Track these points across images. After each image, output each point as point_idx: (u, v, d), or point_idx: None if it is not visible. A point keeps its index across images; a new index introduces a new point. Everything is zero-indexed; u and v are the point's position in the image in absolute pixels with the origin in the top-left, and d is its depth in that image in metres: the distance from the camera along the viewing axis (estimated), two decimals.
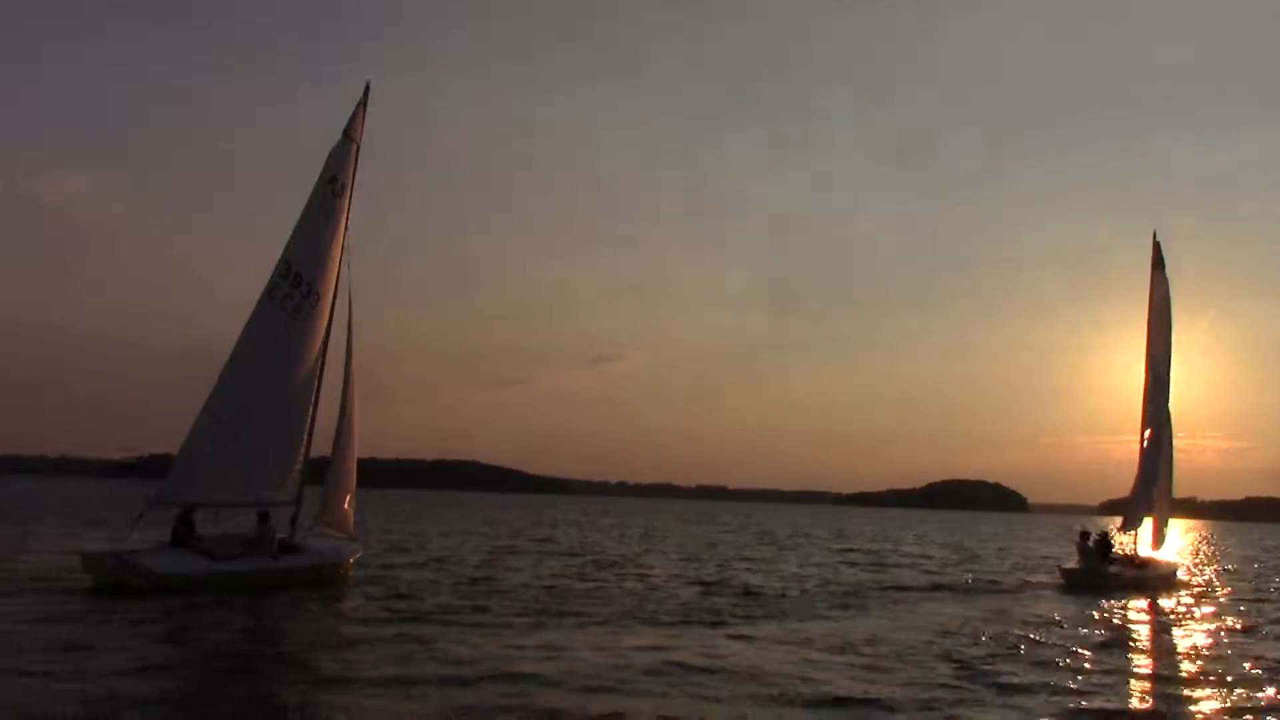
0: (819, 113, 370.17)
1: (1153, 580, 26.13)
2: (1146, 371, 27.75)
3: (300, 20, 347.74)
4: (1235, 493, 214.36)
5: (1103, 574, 25.49)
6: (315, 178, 19.65)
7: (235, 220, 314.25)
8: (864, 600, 20.49)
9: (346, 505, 21.05)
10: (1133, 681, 12.99)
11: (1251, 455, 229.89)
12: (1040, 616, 18.89)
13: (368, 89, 20.71)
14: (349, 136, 20.37)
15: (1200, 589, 27.13)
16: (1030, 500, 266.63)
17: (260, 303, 18.73)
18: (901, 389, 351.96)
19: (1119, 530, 27.35)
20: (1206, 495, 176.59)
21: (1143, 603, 22.45)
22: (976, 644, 14.81)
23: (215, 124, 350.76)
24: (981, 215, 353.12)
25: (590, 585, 21.36)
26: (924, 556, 37.48)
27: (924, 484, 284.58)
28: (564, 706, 9.67)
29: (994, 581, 26.51)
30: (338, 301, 20.21)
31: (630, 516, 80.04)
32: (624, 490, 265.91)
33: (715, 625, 15.97)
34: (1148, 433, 27.57)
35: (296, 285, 19.11)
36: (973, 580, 26.58)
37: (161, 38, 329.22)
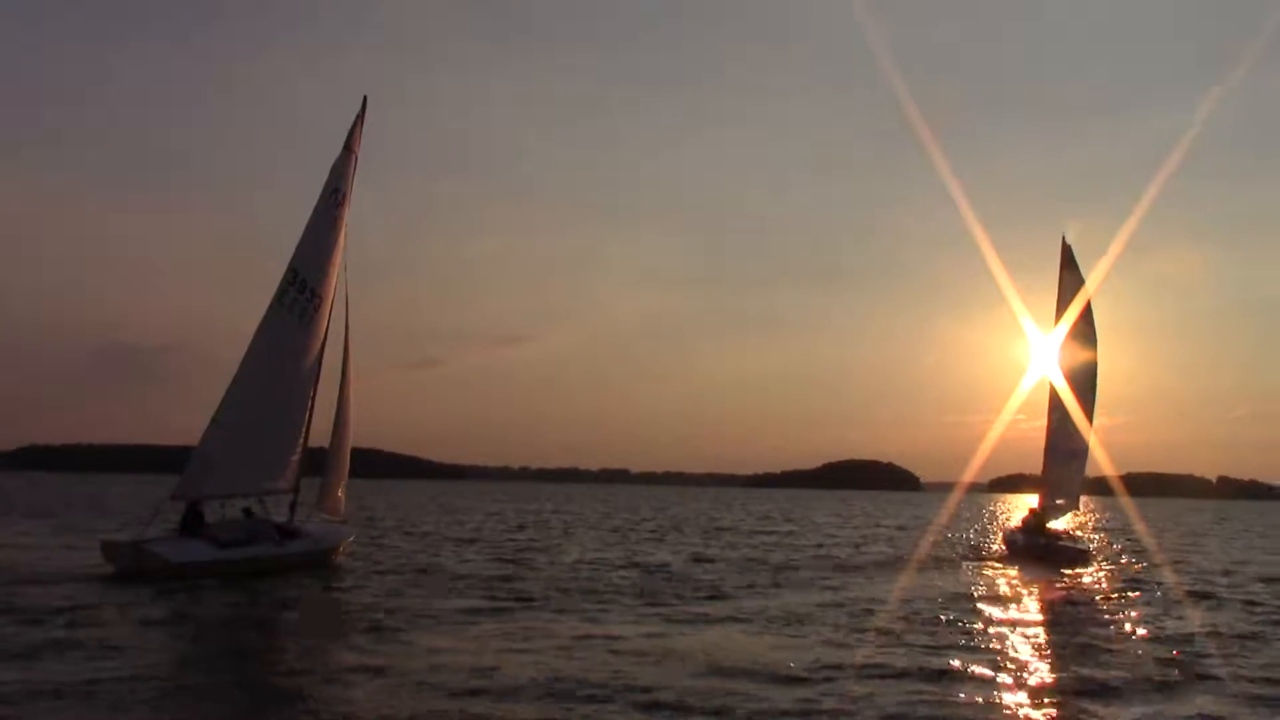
0: (736, 92, 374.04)
1: (1073, 554, 28.57)
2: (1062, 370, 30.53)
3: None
4: (1116, 468, 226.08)
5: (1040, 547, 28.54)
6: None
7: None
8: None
9: (340, 493, 22.72)
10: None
11: (1125, 430, 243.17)
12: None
13: (365, 103, 22.31)
14: (349, 148, 21.97)
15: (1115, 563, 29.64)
16: (923, 479, 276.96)
17: (271, 307, 20.28)
18: (805, 370, 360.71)
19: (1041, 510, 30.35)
20: (1090, 472, 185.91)
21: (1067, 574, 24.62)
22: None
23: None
24: (893, 199, 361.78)
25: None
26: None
27: (820, 464, 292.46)
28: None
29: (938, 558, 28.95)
30: (334, 304, 21.79)
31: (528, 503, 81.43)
32: (527, 475, 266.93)
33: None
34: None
35: (302, 291, 20.69)
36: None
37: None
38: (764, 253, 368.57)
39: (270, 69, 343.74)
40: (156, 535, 19.04)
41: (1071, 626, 15.38)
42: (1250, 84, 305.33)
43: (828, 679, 10.81)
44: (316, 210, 21.18)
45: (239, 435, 19.49)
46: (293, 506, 21.33)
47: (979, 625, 15.02)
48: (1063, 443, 29.98)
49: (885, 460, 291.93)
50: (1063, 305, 30.71)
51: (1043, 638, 14.45)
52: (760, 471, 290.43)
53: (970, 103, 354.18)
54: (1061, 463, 29.99)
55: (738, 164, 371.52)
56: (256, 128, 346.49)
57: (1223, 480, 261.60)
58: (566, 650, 12.12)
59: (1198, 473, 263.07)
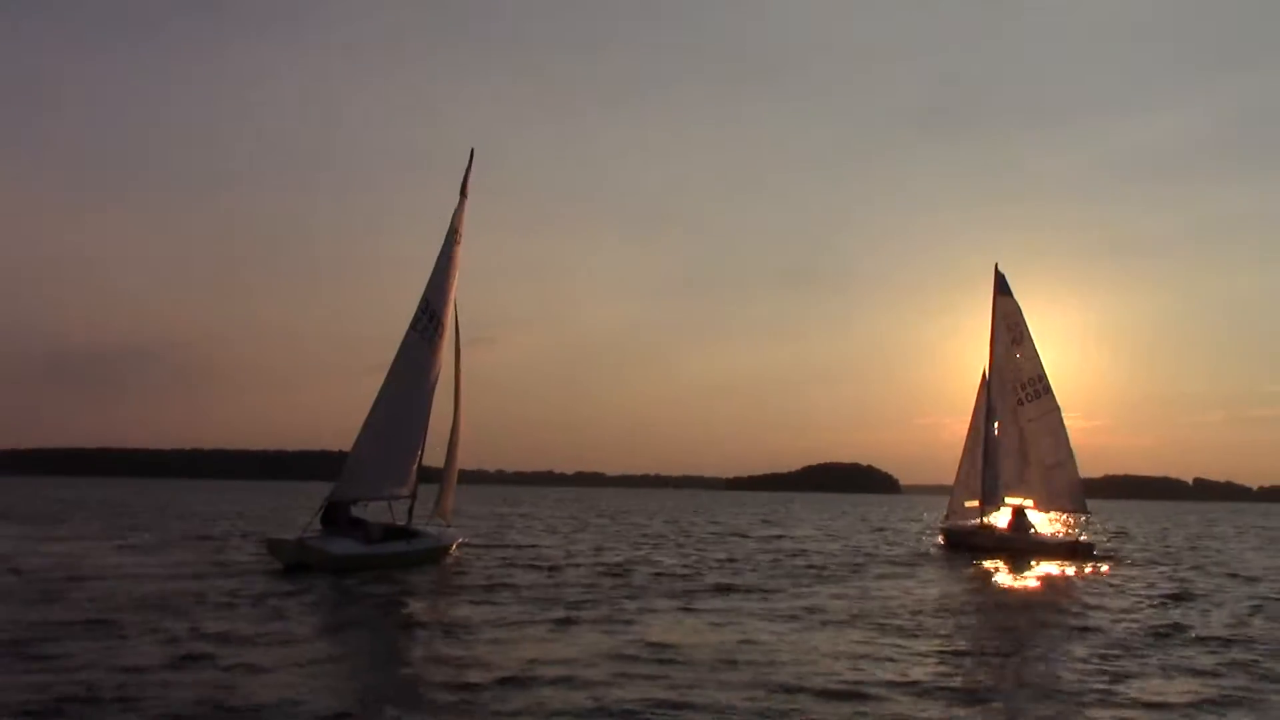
0: (710, 96, 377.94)
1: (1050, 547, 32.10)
2: (989, 385, 34.09)
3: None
4: (1096, 470, 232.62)
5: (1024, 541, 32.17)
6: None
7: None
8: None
9: (451, 499, 25.90)
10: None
11: (1104, 432, 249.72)
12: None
13: (472, 154, 25.31)
14: (463, 194, 25.08)
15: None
16: (902, 482, 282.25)
17: (408, 333, 23.35)
18: (783, 374, 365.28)
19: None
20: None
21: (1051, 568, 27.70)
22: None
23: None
24: (867, 202, 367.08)
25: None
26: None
27: (800, 467, 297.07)
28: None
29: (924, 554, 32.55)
30: (446, 328, 24.90)
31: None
32: (502, 478, 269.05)
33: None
34: (996, 425, 33.79)
35: (431, 319, 23.80)
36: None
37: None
38: (740, 256, 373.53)
39: (227, 70, 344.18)
40: (311, 534, 22.04)
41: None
42: (1230, 90, 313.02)
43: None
44: (442, 250, 24.30)
45: (379, 445, 22.50)
46: (410, 510, 24.30)
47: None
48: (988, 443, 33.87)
49: (865, 463, 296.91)
50: (996, 329, 34.23)
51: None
52: (740, 474, 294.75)
53: (942, 109, 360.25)
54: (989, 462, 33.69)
55: (712, 168, 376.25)
56: (214, 130, 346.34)
57: (1199, 482, 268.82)
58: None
59: (1174, 475, 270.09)
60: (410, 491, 24.17)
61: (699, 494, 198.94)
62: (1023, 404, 33.50)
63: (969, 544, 33.23)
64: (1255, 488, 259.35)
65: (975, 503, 34.35)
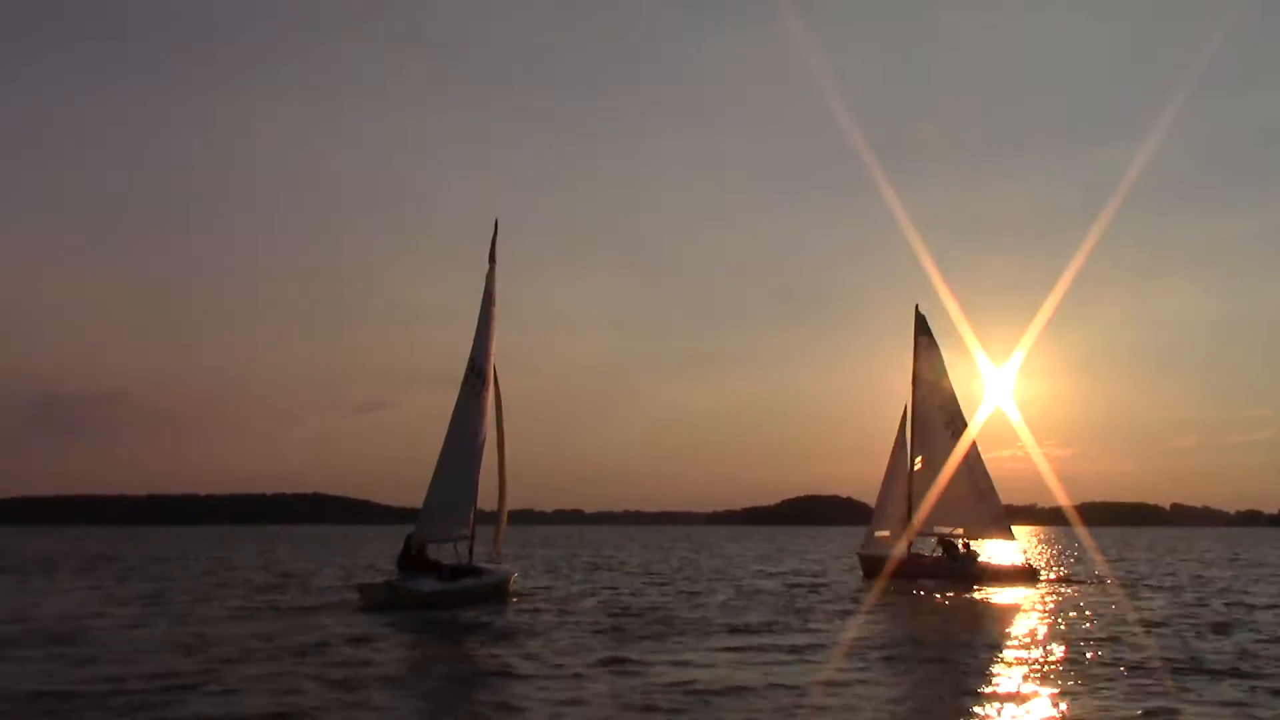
0: (680, 130, 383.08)
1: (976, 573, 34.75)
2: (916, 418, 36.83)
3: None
4: (1073, 498, 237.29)
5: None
6: None
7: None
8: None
9: (502, 538, 29.22)
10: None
11: (1081, 459, 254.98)
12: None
13: (496, 225, 28.37)
14: (492, 260, 28.32)
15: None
16: None
17: (461, 389, 26.68)
18: (760, 407, 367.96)
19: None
20: (1045, 502, 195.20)
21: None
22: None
23: None
24: (843, 233, 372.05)
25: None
26: None
27: (779, 500, 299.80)
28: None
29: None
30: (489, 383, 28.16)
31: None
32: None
33: None
34: (918, 459, 36.49)
35: (478, 376, 27.09)
36: None
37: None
38: (714, 290, 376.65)
39: (190, 115, 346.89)
40: (395, 576, 25.27)
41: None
42: (1198, 114, 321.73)
43: None
44: (480, 313, 27.61)
45: (446, 491, 25.81)
46: (470, 549, 27.37)
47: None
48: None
49: (844, 495, 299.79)
50: (917, 367, 37.06)
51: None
52: (720, 509, 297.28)
53: (914, 139, 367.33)
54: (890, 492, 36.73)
55: (686, 202, 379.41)
56: (187, 175, 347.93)
57: (1176, 508, 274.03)
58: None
59: (1151, 501, 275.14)
60: (470, 531, 27.37)
61: (693, 530, 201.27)
62: (945, 439, 36.01)
63: (909, 572, 34.82)
64: (1232, 512, 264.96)
65: (886, 533, 36.71)
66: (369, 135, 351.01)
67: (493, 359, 28.08)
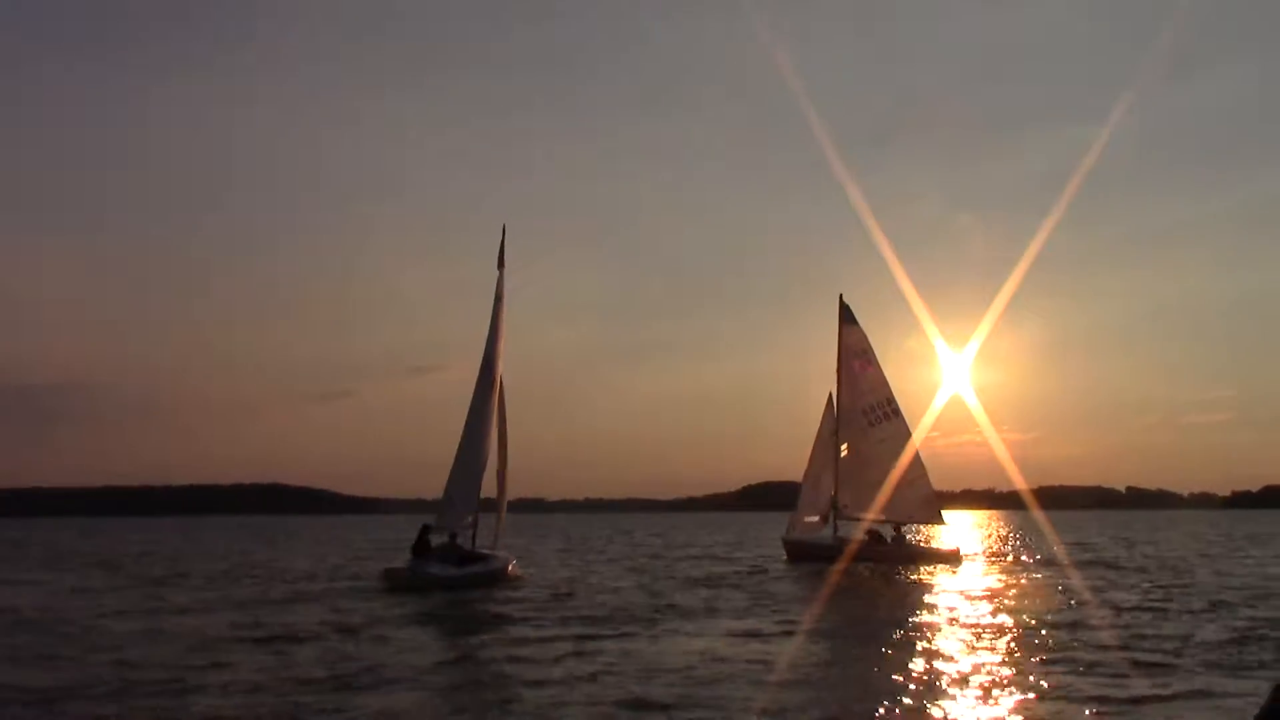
0: (644, 118, 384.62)
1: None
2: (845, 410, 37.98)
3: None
4: (1030, 482, 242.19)
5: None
6: None
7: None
8: None
9: (502, 526, 31.77)
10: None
11: (1040, 444, 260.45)
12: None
13: (504, 230, 31.01)
14: (501, 265, 30.75)
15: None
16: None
17: (475, 389, 29.19)
18: (719, 394, 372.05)
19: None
20: (1003, 486, 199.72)
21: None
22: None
23: None
24: (804, 221, 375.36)
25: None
26: None
27: (739, 487, 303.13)
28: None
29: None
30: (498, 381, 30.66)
31: None
32: (439, 506, 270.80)
33: None
34: (844, 446, 37.79)
35: (490, 375, 29.61)
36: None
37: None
38: (675, 277, 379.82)
39: (167, 105, 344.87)
40: (412, 561, 27.75)
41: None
42: (1160, 97, 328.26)
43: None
44: (492, 315, 30.14)
45: (461, 483, 28.37)
46: (473, 536, 29.83)
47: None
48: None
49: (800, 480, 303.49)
50: (842, 357, 38.35)
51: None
52: (682, 496, 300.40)
53: (878, 122, 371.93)
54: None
55: (648, 190, 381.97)
56: (148, 165, 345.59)
57: (1131, 490, 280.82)
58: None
59: (1106, 484, 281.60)
60: (474, 520, 29.87)
61: (666, 516, 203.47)
62: (872, 425, 37.45)
63: (834, 556, 34.83)
64: (1185, 494, 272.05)
65: (817, 518, 38.05)
66: (339, 123, 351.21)
67: (501, 360, 30.46)
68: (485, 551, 29.83)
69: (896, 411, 37.47)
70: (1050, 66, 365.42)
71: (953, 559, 36.88)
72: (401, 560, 28.59)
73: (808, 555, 36.76)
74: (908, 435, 37.38)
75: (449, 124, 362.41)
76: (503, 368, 30.59)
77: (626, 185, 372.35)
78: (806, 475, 38.46)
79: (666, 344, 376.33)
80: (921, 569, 33.47)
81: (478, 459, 29.53)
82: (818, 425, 38.95)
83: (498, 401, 30.36)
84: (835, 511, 37.73)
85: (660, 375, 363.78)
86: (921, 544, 39.05)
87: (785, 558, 38.54)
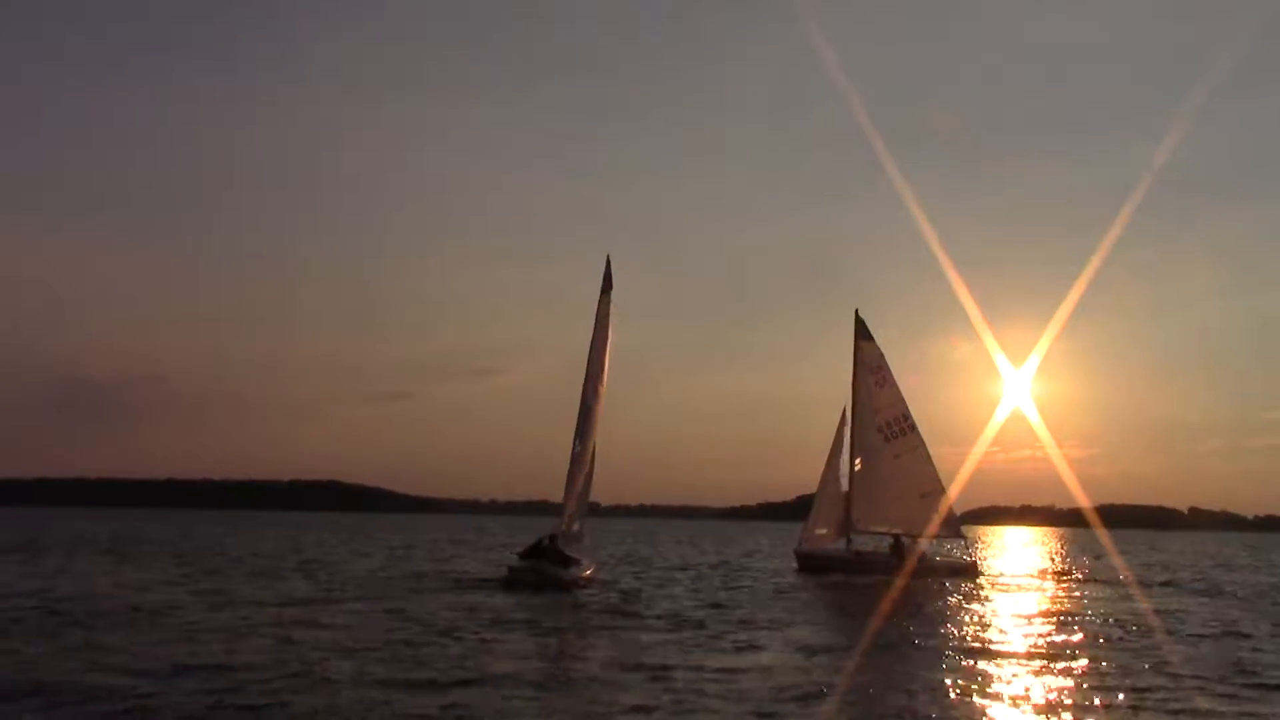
0: (702, 122, 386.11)
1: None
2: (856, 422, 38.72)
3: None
4: (1090, 499, 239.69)
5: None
6: None
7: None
8: None
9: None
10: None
11: (1099, 461, 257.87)
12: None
13: (609, 261, 33.38)
14: (607, 289, 33.26)
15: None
16: None
17: (580, 406, 31.98)
18: (777, 402, 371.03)
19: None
20: (1063, 503, 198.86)
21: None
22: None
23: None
24: (863, 228, 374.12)
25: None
26: None
27: (794, 496, 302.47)
28: None
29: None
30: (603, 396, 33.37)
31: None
32: (495, 508, 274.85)
33: None
34: (858, 461, 38.53)
35: (594, 391, 32.37)
36: None
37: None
38: (736, 282, 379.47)
39: (225, 108, 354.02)
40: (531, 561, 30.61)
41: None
42: (1228, 108, 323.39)
43: None
44: (596, 335, 32.78)
45: (578, 494, 31.57)
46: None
47: None
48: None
49: None
50: (858, 372, 38.92)
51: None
52: (735, 504, 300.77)
53: (936, 133, 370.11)
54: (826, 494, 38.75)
55: (706, 194, 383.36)
56: (212, 166, 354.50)
57: (1194, 511, 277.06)
58: None
59: (1169, 504, 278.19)
60: (581, 529, 33.03)
61: (718, 524, 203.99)
62: (887, 441, 38.01)
63: (848, 568, 36.57)
64: (1251, 517, 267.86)
65: (826, 531, 38.75)
66: (404, 128, 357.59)
67: (605, 376, 32.93)
68: (576, 556, 32.35)
69: (913, 427, 38.11)
70: (1118, 75, 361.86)
71: (971, 572, 37.83)
72: (513, 560, 31.66)
73: (820, 567, 37.84)
74: (924, 449, 38.03)
75: (513, 127, 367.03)
76: (605, 387, 33.17)
77: (689, 189, 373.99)
78: (820, 488, 39.05)
79: (724, 351, 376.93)
80: (945, 582, 34.36)
81: (582, 468, 32.31)
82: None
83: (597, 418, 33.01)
84: (849, 524, 38.55)
85: (716, 383, 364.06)
86: (939, 558, 39.89)
87: (796, 568, 39.37)
